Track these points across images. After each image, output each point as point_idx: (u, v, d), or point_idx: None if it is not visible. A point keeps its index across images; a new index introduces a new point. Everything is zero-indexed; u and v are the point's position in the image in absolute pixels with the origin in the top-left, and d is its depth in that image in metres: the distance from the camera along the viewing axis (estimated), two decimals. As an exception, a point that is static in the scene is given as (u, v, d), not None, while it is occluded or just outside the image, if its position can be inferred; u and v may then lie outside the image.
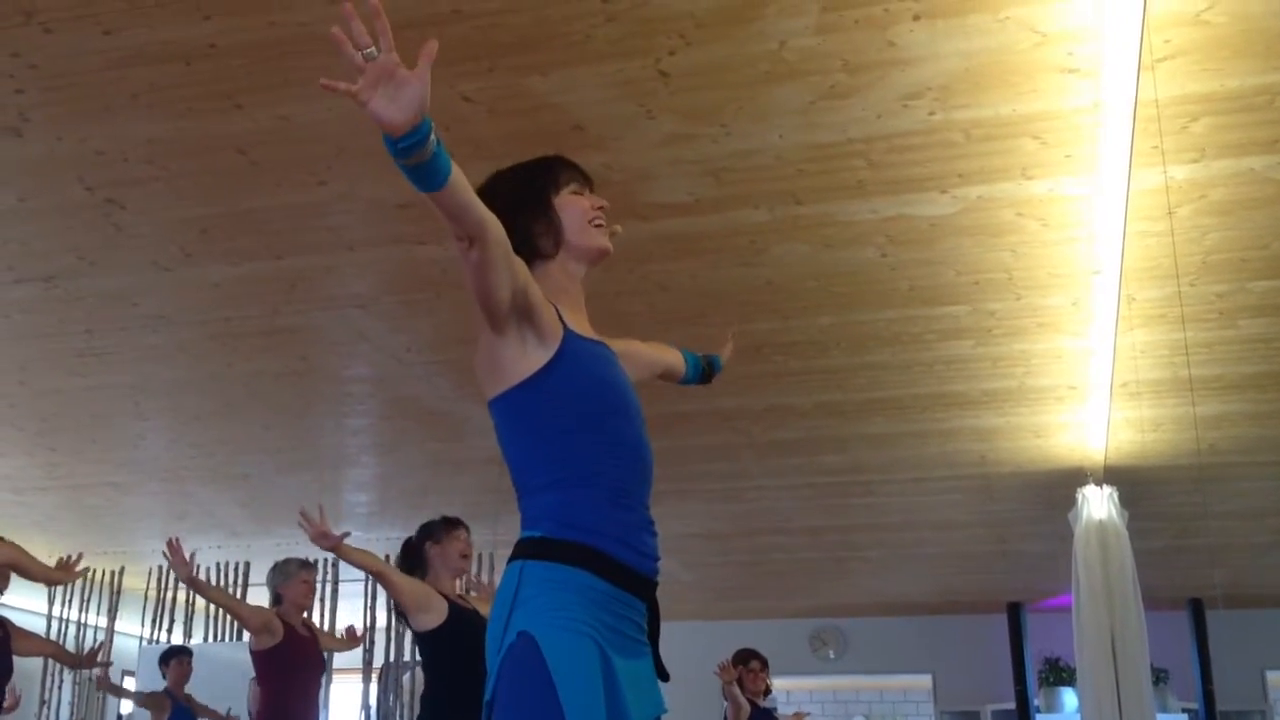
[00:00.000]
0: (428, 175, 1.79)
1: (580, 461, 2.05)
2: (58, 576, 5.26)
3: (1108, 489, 6.84)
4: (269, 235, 4.34)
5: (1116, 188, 3.80)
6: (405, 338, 5.29)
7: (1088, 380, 5.57)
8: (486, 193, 2.16)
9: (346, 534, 4.76)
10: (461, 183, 1.83)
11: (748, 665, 6.50)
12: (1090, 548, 6.78)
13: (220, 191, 4.02)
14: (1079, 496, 6.91)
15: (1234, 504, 7.53)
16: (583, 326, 2.21)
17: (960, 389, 5.77)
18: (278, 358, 5.54)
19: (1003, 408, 6.01)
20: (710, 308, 4.92)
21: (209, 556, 9.48)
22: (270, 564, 5.96)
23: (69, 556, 5.37)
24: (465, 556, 4.79)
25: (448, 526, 4.83)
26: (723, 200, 4.05)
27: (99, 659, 6.25)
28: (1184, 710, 8.72)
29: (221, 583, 9.61)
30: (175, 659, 7.38)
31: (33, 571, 5.02)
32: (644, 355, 2.60)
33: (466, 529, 4.89)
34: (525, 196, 2.20)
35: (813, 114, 3.54)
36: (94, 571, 9.81)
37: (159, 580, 9.68)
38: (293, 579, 5.69)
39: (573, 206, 2.23)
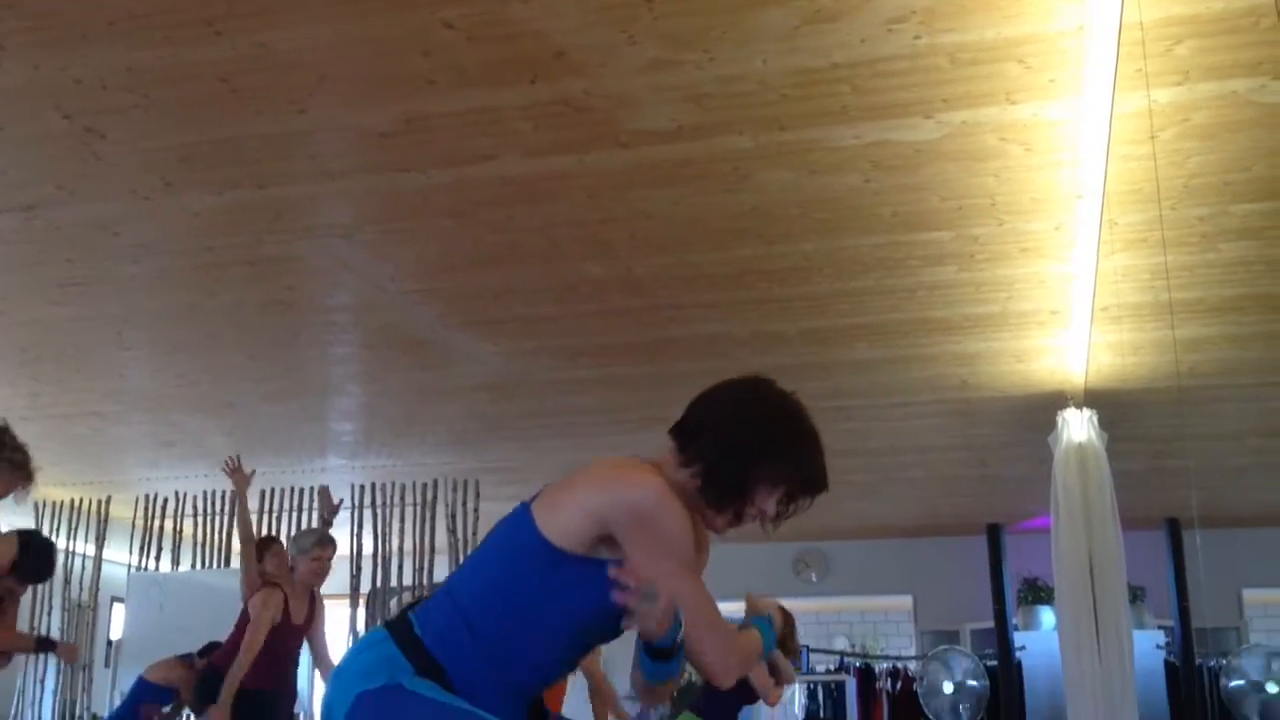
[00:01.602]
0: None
1: (517, 645, 2.05)
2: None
3: (1087, 412, 6.90)
4: (250, 164, 4.31)
5: (1100, 112, 3.80)
6: (389, 266, 5.28)
7: (1069, 305, 5.60)
8: (752, 399, 2.15)
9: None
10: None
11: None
12: (1069, 470, 6.86)
13: (200, 120, 3.99)
14: (1059, 420, 6.97)
15: (1212, 425, 7.61)
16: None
17: (943, 314, 5.80)
18: (261, 287, 5.53)
19: (985, 333, 6.04)
20: (693, 234, 4.92)
21: (195, 485, 9.52)
22: (257, 493, 6.01)
23: None
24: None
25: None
26: (706, 127, 4.04)
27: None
28: (1160, 627, 8.86)
29: (208, 511, 9.67)
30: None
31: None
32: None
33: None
34: (757, 472, 2.13)
35: (797, 39, 3.51)
36: (81, 501, 9.86)
37: (146, 508, 9.73)
38: (308, 553, 5.73)
39: (765, 498, 2.16)
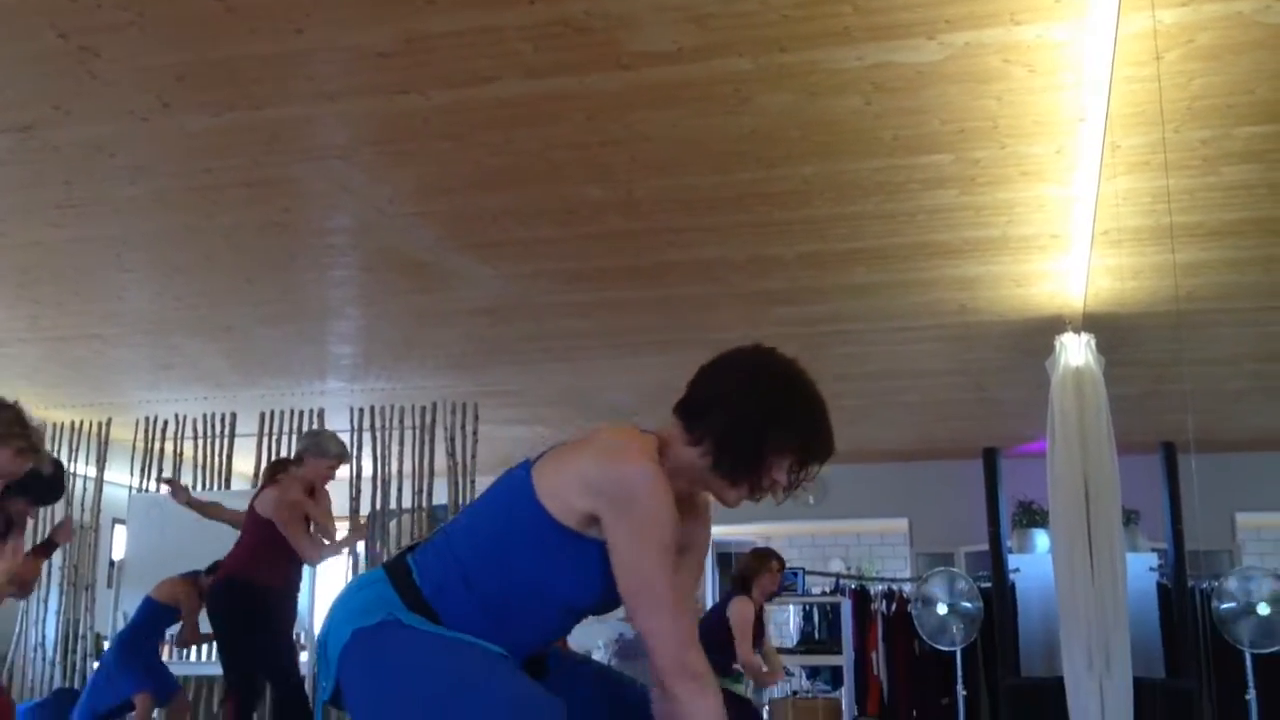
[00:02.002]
0: None
1: (513, 607, 2.08)
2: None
3: (1085, 336, 6.91)
4: (247, 85, 4.28)
5: (1105, 33, 3.77)
6: (387, 189, 5.26)
7: (1069, 229, 5.59)
8: (757, 371, 2.19)
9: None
10: None
11: (767, 567, 6.54)
12: (1066, 394, 6.89)
13: (196, 38, 3.95)
14: (1057, 344, 6.98)
15: (1210, 350, 7.63)
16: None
17: (942, 238, 5.79)
18: (259, 210, 5.51)
19: (984, 257, 6.03)
20: (693, 157, 4.90)
21: (195, 408, 9.55)
22: (255, 415, 6.04)
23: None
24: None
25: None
26: (706, 48, 4.00)
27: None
28: (1153, 550, 8.94)
29: (208, 434, 9.72)
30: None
31: None
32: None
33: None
34: (765, 440, 2.13)
35: (799, -42, 3.48)
36: (82, 423, 9.90)
37: (146, 430, 9.76)
38: (323, 458, 5.82)
39: (776, 465, 2.15)
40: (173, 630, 7.75)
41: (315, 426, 8.94)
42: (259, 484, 6.40)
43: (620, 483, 2.01)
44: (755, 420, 2.10)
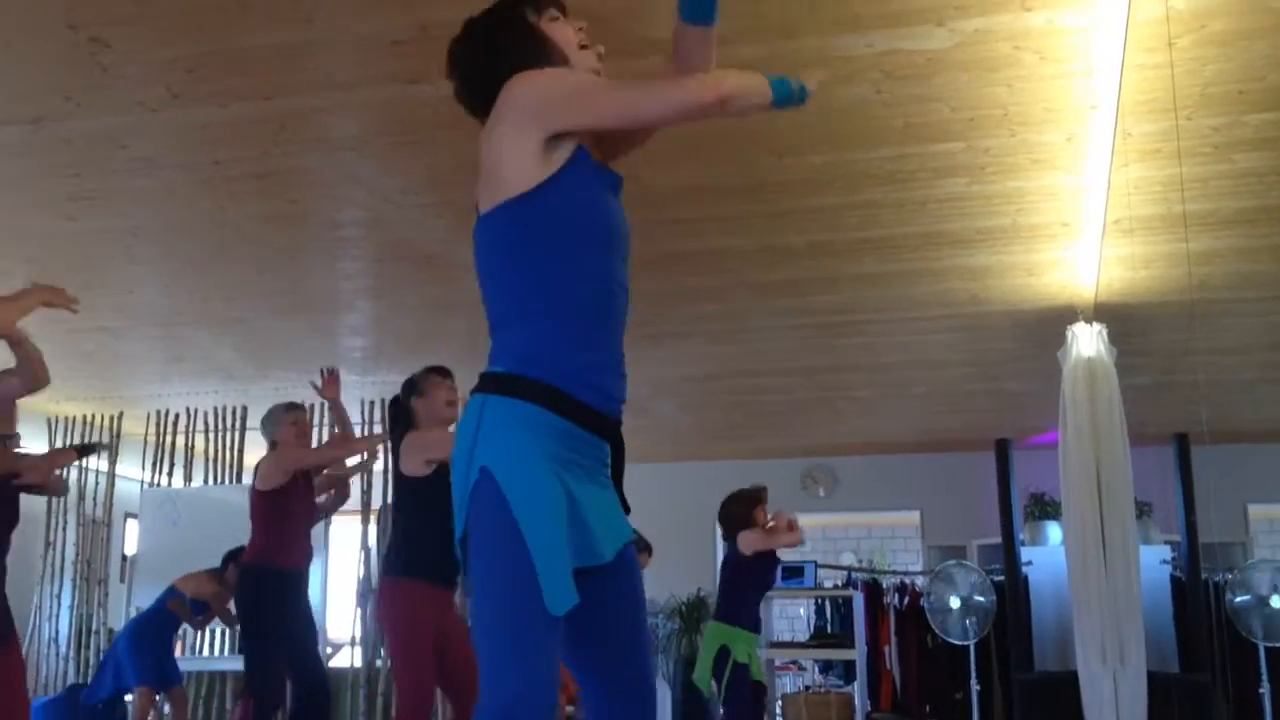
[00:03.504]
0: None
1: (553, 291, 2.08)
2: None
3: (1097, 326, 6.89)
4: (257, 75, 4.28)
5: (1116, 19, 3.75)
6: (398, 180, 5.26)
7: (1081, 217, 5.57)
8: (471, 41, 2.17)
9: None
10: None
11: (760, 503, 6.51)
12: (1078, 384, 6.87)
13: (206, 30, 3.95)
14: (1068, 334, 6.97)
15: (1222, 340, 7.60)
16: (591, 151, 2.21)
17: (953, 227, 5.78)
18: (269, 201, 5.51)
19: (995, 246, 6.02)
20: (703, 146, 4.89)
21: (206, 401, 9.57)
22: (266, 408, 6.05)
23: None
24: (450, 404, 4.83)
25: (429, 376, 4.88)
26: (718, 36, 3.98)
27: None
28: (1166, 542, 8.92)
29: (219, 427, 9.74)
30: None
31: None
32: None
33: (449, 375, 4.92)
34: (517, 33, 2.17)
35: (809, -56, 3.46)
36: (93, 417, 9.92)
37: (158, 424, 9.79)
38: (281, 423, 5.82)
39: (559, 33, 2.23)
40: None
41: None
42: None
43: (523, 98, 2.06)
44: (513, 51, 2.18)
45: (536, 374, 2.04)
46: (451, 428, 4.77)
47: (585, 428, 2.06)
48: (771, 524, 6.33)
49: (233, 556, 7.30)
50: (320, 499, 6.30)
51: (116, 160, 5.03)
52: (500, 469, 1.99)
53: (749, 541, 6.22)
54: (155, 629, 7.54)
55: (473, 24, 2.22)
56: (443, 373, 4.90)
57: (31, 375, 4.65)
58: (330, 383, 6.05)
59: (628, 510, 2.20)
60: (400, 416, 4.88)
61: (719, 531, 6.81)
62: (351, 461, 6.65)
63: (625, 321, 2.20)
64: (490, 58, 2.15)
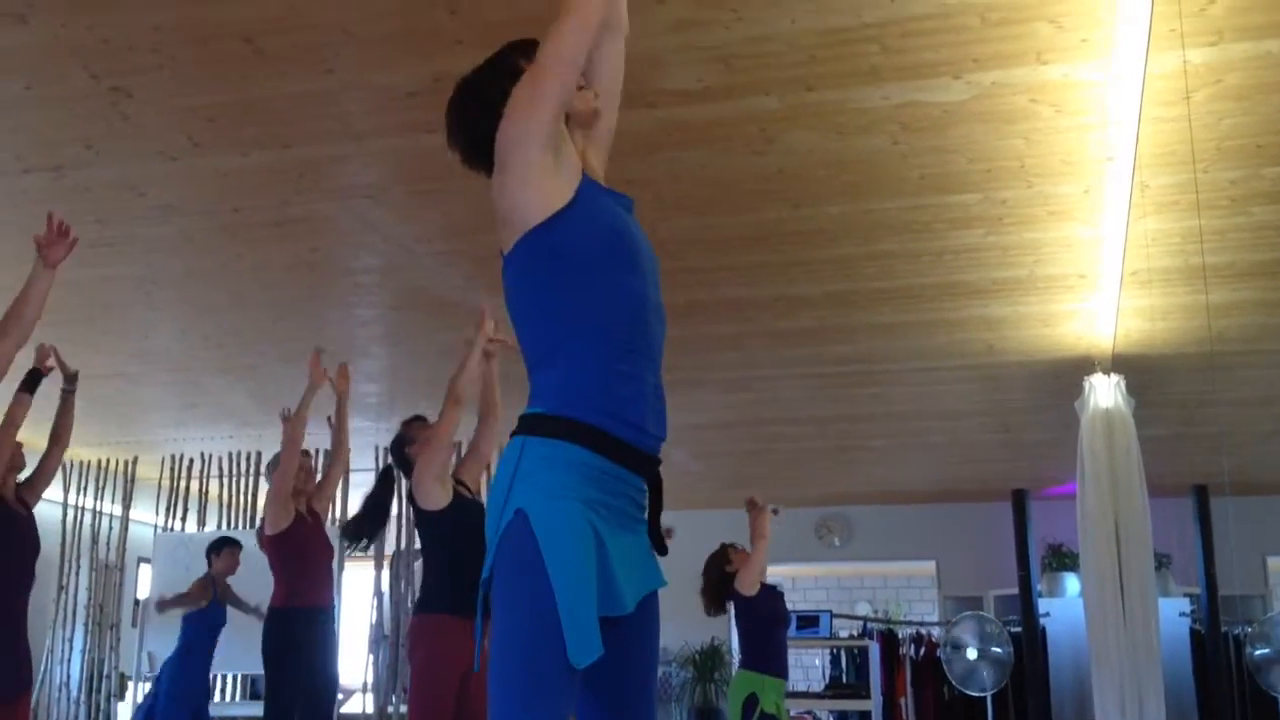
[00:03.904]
0: None
1: (584, 319, 2.07)
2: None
3: (1115, 377, 6.86)
4: (276, 124, 4.31)
5: (1133, 72, 3.76)
6: (415, 228, 5.28)
7: (1098, 269, 5.56)
8: (464, 98, 2.18)
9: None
10: None
11: (728, 558, 6.45)
12: (1096, 435, 6.83)
13: (227, 80, 3.99)
14: (1086, 385, 6.93)
15: (1241, 391, 7.56)
16: (598, 179, 2.24)
17: (969, 278, 5.77)
18: (286, 249, 5.54)
19: (1012, 297, 6.01)
20: (720, 196, 4.90)
21: (220, 446, 9.58)
22: (274, 455, 6.04)
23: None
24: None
25: (414, 424, 4.95)
26: (733, 87, 4.01)
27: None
28: (1185, 595, 8.84)
29: (233, 472, 9.74)
30: (227, 549, 7.46)
31: (29, 306, 4.24)
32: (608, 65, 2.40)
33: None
34: (507, 84, 2.17)
35: (826, -2, 3.48)
36: (108, 461, 9.94)
37: (172, 469, 9.80)
38: (277, 473, 5.81)
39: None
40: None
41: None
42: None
43: (498, 144, 2.09)
44: (477, 95, 2.20)
45: (574, 413, 2.03)
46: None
47: (623, 465, 2.05)
48: (744, 552, 6.28)
49: (223, 544, 7.46)
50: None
51: (136, 208, 5.06)
52: (535, 512, 1.96)
53: (746, 581, 6.19)
54: (186, 658, 7.46)
55: (466, 81, 2.23)
56: (425, 421, 4.95)
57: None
58: (341, 376, 6.03)
59: (664, 551, 2.17)
60: (398, 463, 4.94)
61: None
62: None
63: (662, 346, 2.21)
64: (484, 109, 2.16)
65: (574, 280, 2.08)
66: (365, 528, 5.01)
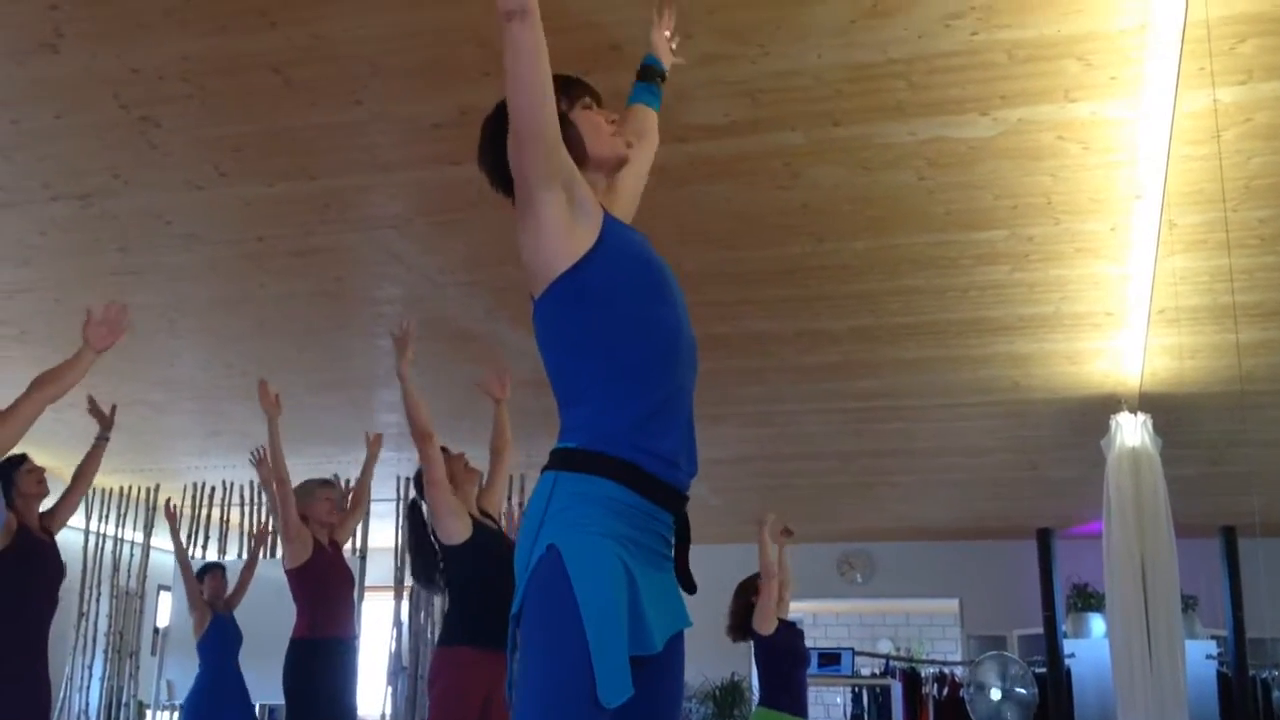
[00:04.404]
0: None
1: (620, 351, 2.06)
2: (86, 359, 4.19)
3: (1142, 416, 6.80)
4: (303, 155, 4.33)
5: (1162, 111, 3.73)
6: (439, 259, 5.29)
7: (1125, 306, 5.52)
8: (497, 123, 2.16)
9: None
10: None
11: (752, 589, 6.41)
12: (1122, 474, 6.76)
13: (255, 110, 4.00)
14: (1112, 423, 6.87)
15: (1271, 431, 7.48)
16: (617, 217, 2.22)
17: (995, 314, 5.74)
18: (311, 278, 5.55)
19: (1038, 333, 5.97)
20: (745, 230, 4.89)
21: (242, 474, 9.57)
22: (300, 483, 6.03)
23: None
24: (469, 468, 4.88)
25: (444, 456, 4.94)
26: (759, 122, 4.01)
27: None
28: (1212, 637, 8.73)
29: (255, 500, 9.74)
30: (209, 574, 7.50)
31: (67, 377, 4.08)
32: (641, 166, 2.56)
33: (455, 454, 4.96)
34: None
35: (853, 34, 3.48)
36: (130, 488, 9.96)
37: (194, 497, 9.81)
38: (315, 498, 5.81)
39: (589, 120, 2.24)
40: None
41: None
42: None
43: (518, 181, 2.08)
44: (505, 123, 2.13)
45: (606, 448, 2.01)
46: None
47: (654, 501, 2.03)
48: (766, 584, 6.22)
49: (206, 570, 7.52)
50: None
51: (161, 236, 5.08)
52: (567, 547, 1.94)
53: (763, 621, 6.14)
54: (214, 676, 7.43)
55: (503, 108, 2.18)
56: (446, 451, 4.92)
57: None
58: (375, 442, 6.16)
59: (693, 589, 2.14)
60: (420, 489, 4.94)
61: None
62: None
63: (694, 379, 2.21)
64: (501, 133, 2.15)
65: (605, 318, 2.06)
66: (422, 568, 4.96)
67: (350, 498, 6.64)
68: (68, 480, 5.24)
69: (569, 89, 2.23)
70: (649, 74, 2.75)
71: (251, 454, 6.05)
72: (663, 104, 3.58)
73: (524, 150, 2.03)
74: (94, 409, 5.37)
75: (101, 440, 5.35)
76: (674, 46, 2.83)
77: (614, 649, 1.89)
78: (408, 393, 4.60)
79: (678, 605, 2.12)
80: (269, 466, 5.72)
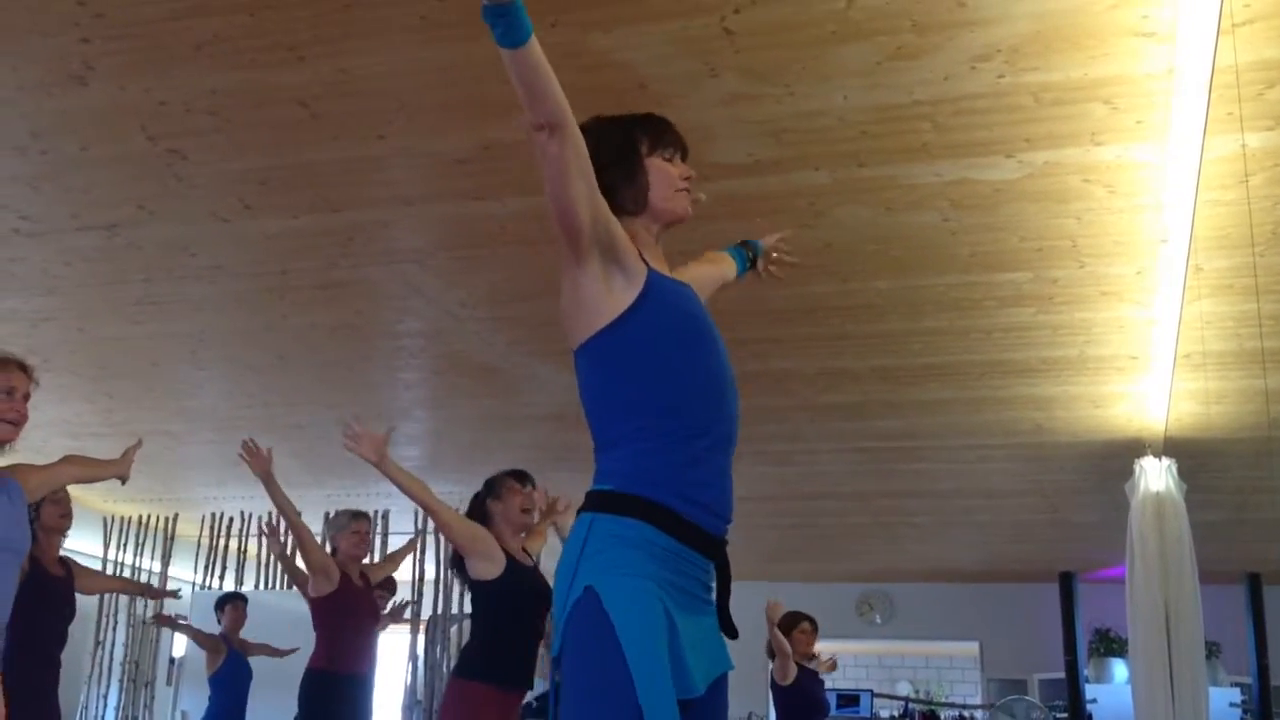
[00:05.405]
0: (511, 25, 1.77)
1: (662, 401, 2.04)
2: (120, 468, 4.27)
3: (1166, 460, 6.74)
4: (327, 188, 4.34)
5: (1189, 155, 3.71)
6: (460, 293, 5.29)
7: (1150, 350, 5.48)
8: (587, 134, 2.10)
9: (390, 430, 4.60)
10: (541, 53, 1.82)
11: (798, 627, 6.45)
12: (1146, 519, 6.70)
13: (280, 144, 4.02)
14: (1136, 468, 6.82)
15: (1293, 479, 7.42)
16: (661, 268, 2.21)
17: (1019, 357, 5.70)
18: (333, 311, 5.56)
19: (1061, 376, 5.93)
20: (767, 269, 4.87)
21: (261, 505, 9.55)
22: (323, 516, 6.02)
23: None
24: (526, 510, 4.72)
25: (507, 480, 4.76)
26: (783, 161, 4.00)
27: (164, 594, 6.33)
28: (1235, 684, 8.62)
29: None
30: (230, 604, 7.47)
31: (96, 472, 4.22)
32: (705, 276, 2.63)
33: (529, 482, 4.80)
34: (624, 152, 2.17)
35: (878, 75, 3.47)
36: (148, 517, 9.97)
37: (212, 527, 9.81)
38: (345, 530, 5.78)
39: (661, 171, 2.22)
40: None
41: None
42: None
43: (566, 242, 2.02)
44: (610, 164, 2.11)
45: (644, 491, 2.00)
46: (523, 534, 4.71)
47: (692, 547, 2.01)
48: (814, 663, 6.26)
49: (227, 600, 7.54)
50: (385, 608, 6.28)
51: (185, 268, 5.10)
52: (606, 589, 1.91)
53: (781, 672, 6.13)
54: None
55: (588, 127, 2.11)
56: (520, 477, 4.79)
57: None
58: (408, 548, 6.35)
59: (734, 635, 2.12)
60: (477, 515, 4.82)
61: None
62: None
63: (736, 424, 2.19)
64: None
65: (648, 368, 2.05)
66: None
67: (385, 560, 6.73)
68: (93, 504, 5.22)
69: (659, 136, 2.22)
70: (750, 247, 2.92)
71: (260, 528, 6.02)
72: (688, 144, 3.56)
73: (561, 235, 2.01)
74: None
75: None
76: (774, 268, 3.02)
77: (661, 690, 1.87)
78: (397, 483, 4.54)
79: (719, 648, 2.10)
80: (279, 540, 5.75)
